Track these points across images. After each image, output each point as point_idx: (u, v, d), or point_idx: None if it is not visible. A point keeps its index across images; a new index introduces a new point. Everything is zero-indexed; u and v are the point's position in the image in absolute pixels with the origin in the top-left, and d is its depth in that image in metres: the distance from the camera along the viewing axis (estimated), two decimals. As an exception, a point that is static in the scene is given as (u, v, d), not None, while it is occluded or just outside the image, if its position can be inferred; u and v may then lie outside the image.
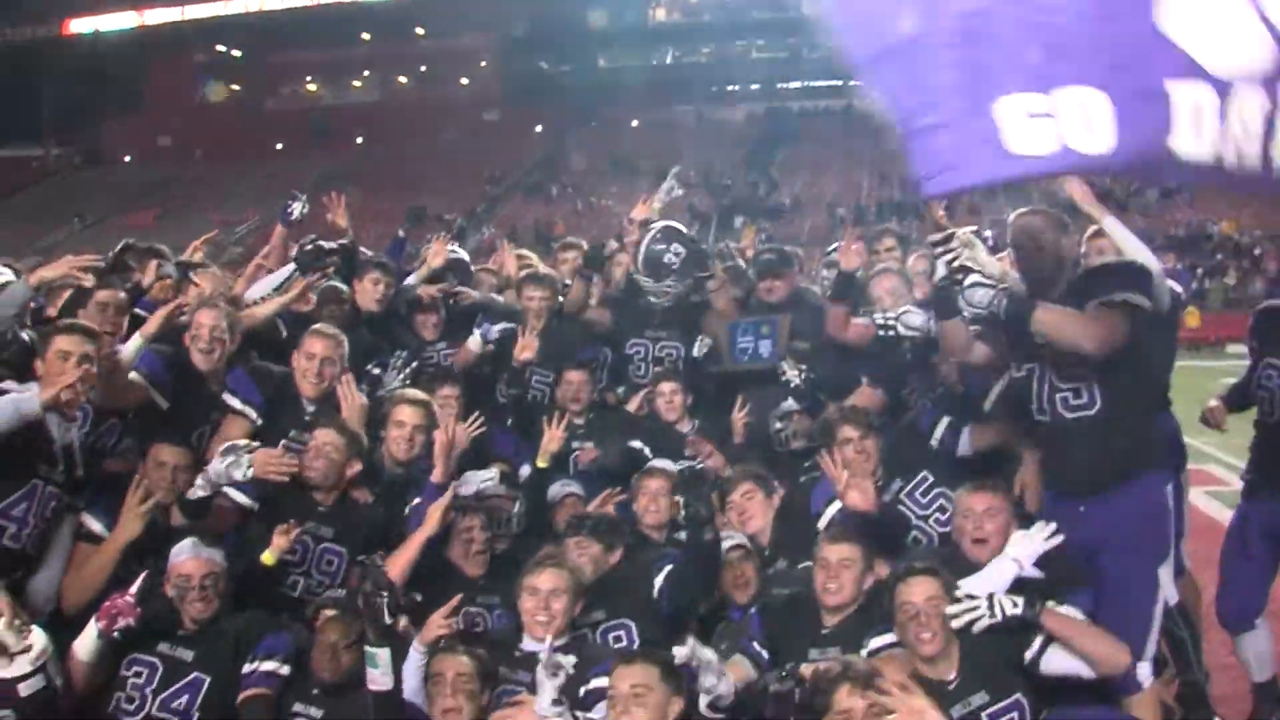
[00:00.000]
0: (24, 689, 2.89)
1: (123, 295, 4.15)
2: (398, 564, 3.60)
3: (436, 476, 3.82)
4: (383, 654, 3.08)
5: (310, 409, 4.20)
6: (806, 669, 3.13)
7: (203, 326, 4.09)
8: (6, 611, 2.93)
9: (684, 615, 3.75)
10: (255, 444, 3.68)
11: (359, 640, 3.21)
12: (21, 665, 2.90)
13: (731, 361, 5.00)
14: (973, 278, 3.38)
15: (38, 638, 2.97)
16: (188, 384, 4.10)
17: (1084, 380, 3.35)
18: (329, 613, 3.42)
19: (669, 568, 3.75)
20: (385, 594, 3.09)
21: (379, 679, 3.09)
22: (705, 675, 3.00)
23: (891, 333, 4.16)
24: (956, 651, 3.09)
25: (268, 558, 3.61)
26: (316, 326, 4.33)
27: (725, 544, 3.94)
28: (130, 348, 3.90)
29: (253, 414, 4.11)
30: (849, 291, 4.51)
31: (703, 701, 3.02)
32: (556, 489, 4.42)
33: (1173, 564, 3.62)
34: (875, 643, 3.31)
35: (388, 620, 3.08)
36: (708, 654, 3.01)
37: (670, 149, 37.65)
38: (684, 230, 5.13)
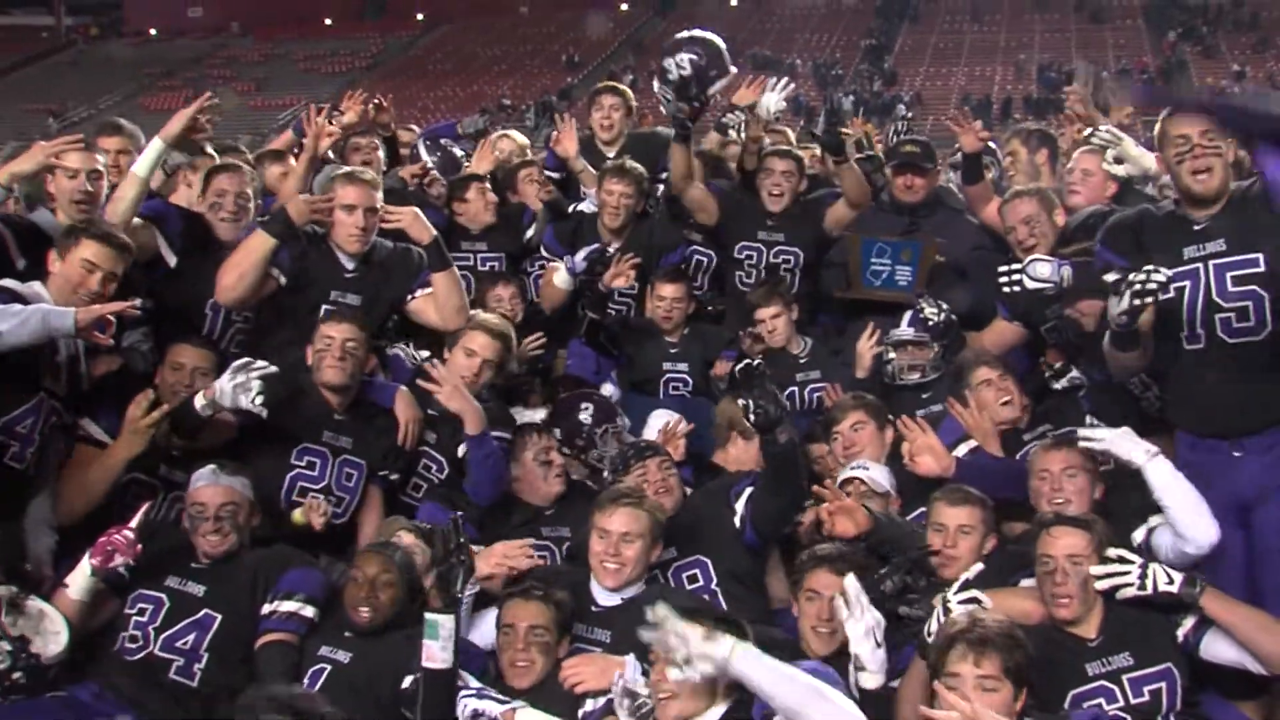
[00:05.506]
0: (48, 661, 3.02)
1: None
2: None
3: (470, 427, 3.74)
4: (446, 622, 2.84)
5: (350, 267, 4.09)
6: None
7: (226, 192, 4.01)
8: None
9: (769, 541, 3.67)
10: (271, 368, 3.53)
11: (409, 593, 3.17)
12: (56, 647, 3.01)
13: (861, 285, 4.80)
14: None
15: (58, 620, 3.04)
16: (207, 249, 3.97)
17: (1253, 297, 3.20)
18: (406, 537, 3.39)
19: (750, 489, 3.59)
20: (464, 561, 2.95)
21: (437, 654, 2.84)
22: None
23: (1017, 287, 3.86)
24: (1100, 613, 3.03)
25: (298, 517, 3.59)
26: (351, 171, 4.20)
27: (841, 475, 3.84)
28: (138, 170, 3.83)
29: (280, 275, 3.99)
30: (978, 174, 4.80)
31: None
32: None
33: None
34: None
35: (459, 591, 2.93)
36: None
37: (772, 31, 36.73)
38: (711, 39, 4.88)
